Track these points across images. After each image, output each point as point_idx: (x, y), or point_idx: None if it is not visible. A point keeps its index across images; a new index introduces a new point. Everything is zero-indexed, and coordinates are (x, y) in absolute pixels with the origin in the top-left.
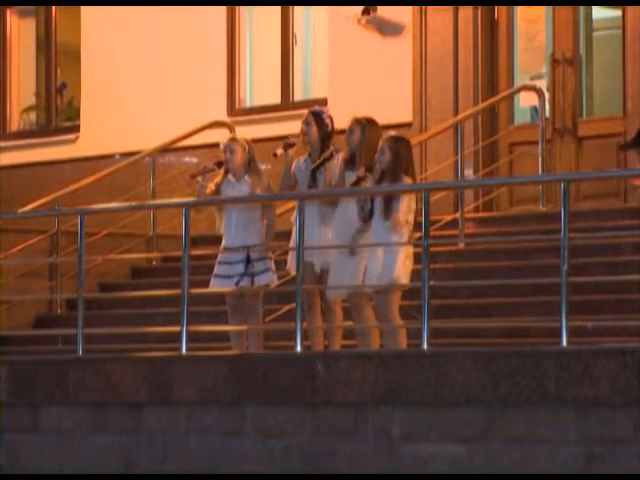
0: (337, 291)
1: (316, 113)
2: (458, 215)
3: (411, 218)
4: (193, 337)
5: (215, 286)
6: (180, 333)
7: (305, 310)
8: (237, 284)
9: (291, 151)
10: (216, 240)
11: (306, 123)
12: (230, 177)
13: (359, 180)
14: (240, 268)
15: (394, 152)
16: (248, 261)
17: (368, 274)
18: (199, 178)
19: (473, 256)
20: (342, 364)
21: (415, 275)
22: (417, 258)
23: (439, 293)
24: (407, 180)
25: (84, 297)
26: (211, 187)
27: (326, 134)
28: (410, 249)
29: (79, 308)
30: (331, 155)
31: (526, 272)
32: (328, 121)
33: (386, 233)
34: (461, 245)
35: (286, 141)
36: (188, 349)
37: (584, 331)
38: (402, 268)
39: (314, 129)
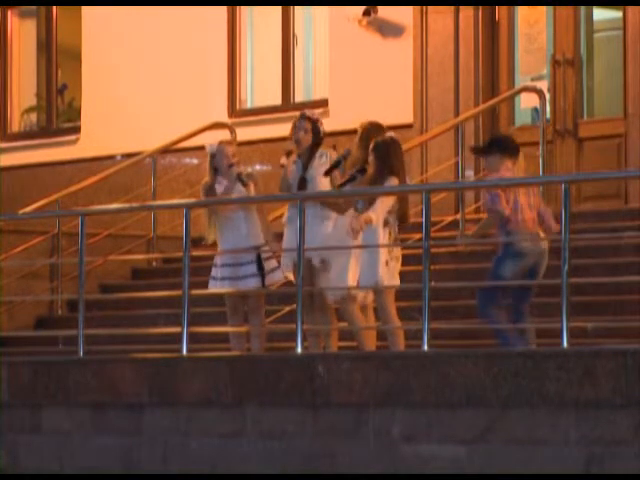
0: (335, 293)
1: (313, 120)
2: (459, 216)
3: (392, 219)
4: (194, 338)
5: (224, 288)
6: (181, 334)
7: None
8: (246, 285)
9: (291, 157)
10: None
11: (304, 130)
12: (222, 180)
13: (350, 180)
14: (252, 269)
15: (378, 154)
16: (259, 261)
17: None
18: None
19: (474, 257)
20: (343, 365)
21: (416, 276)
22: (417, 259)
23: (440, 294)
24: (393, 180)
25: (85, 298)
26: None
27: (319, 141)
28: (398, 251)
29: (80, 309)
30: (354, 177)
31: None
32: (321, 128)
33: (372, 235)
34: (461, 246)
35: (287, 150)
36: (189, 350)
37: (585, 332)
38: (385, 269)
39: (309, 136)
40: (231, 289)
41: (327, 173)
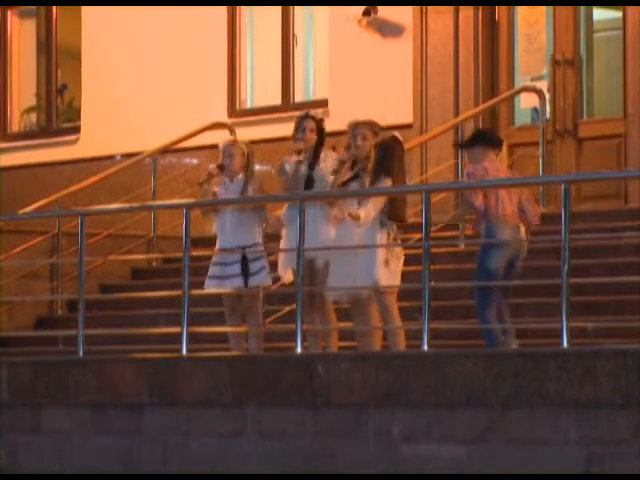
0: (336, 293)
1: (317, 120)
2: None
3: (386, 219)
4: (193, 338)
5: (210, 287)
6: (180, 334)
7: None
8: (232, 284)
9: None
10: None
11: (309, 129)
12: (225, 179)
13: (353, 178)
14: (236, 269)
15: (377, 154)
16: (244, 261)
17: (355, 276)
18: (205, 185)
19: (473, 257)
20: (342, 365)
21: (416, 276)
22: (418, 259)
23: (440, 294)
24: (387, 182)
25: (85, 298)
26: (214, 189)
27: (322, 141)
28: (400, 249)
29: (80, 309)
30: (357, 175)
31: (526, 273)
32: (324, 127)
33: (372, 234)
34: (461, 246)
35: (297, 149)
36: (189, 350)
37: (585, 332)
38: (385, 269)
39: (313, 135)
40: (218, 288)
41: (342, 185)
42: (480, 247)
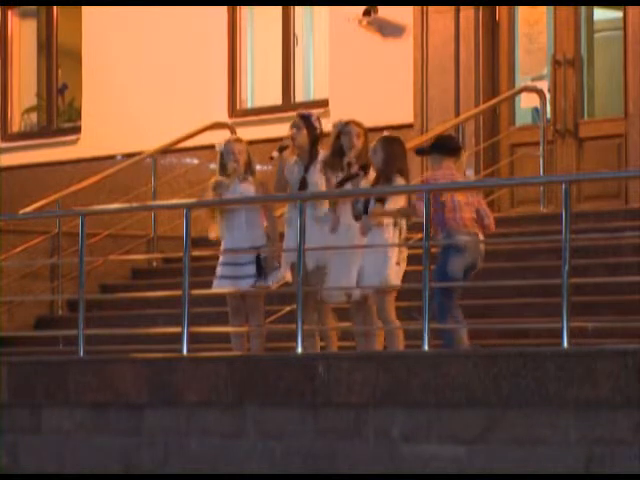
0: (336, 294)
1: (305, 117)
2: None
3: (404, 222)
4: (194, 338)
5: (223, 287)
6: (181, 334)
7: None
8: (254, 284)
9: (285, 153)
10: (217, 241)
11: (296, 127)
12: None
13: (351, 177)
14: (251, 269)
15: (387, 152)
16: (258, 262)
17: (362, 275)
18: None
19: None
20: (343, 365)
21: (416, 276)
22: (418, 259)
23: None
24: (399, 180)
25: (85, 298)
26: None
27: (315, 137)
28: (404, 252)
29: (80, 309)
30: (356, 174)
31: (527, 273)
32: (317, 124)
33: (379, 234)
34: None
35: (280, 144)
36: (189, 350)
37: (585, 332)
38: (394, 270)
39: (303, 133)
40: (231, 288)
41: (339, 185)
42: (440, 252)
